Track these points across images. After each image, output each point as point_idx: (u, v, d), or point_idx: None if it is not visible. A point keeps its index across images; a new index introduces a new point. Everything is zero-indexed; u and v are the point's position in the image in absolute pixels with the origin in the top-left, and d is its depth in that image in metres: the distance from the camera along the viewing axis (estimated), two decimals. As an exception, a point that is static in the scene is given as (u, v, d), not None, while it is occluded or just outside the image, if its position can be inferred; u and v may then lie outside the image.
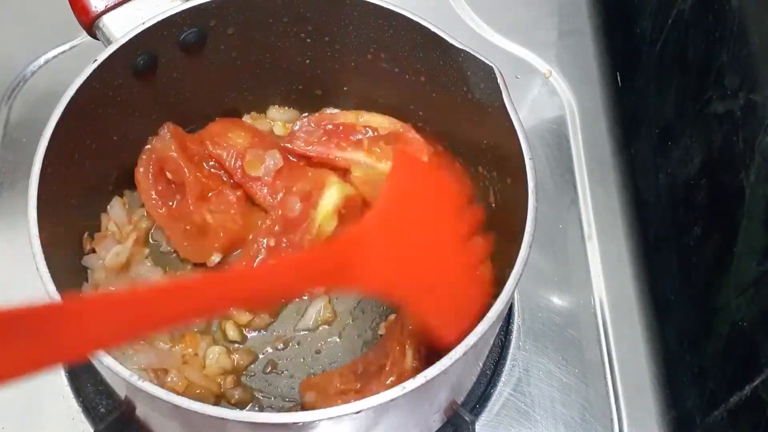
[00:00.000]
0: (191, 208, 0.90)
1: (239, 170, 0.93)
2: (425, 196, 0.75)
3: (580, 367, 0.94)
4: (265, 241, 0.91)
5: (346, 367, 0.84)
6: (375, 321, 0.91)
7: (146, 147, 0.92)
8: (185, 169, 0.90)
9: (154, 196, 0.92)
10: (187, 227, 0.90)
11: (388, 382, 0.77)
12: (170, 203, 0.92)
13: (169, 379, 0.82)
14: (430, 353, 0.79)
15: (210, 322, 0.88)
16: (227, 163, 0.94)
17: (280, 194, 0.93)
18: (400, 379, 0.75)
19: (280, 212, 0.92)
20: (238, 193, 0.93)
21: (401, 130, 0.94)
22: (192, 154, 0.93)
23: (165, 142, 0.92)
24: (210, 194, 0.92)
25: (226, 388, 0.84)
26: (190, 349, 0.85)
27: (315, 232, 0.90)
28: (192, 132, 0.96)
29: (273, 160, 0.93)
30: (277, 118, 1.02)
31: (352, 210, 0.92)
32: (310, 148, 0.95)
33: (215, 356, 0.85)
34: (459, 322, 0.72)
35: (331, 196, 0.91)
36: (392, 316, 0.89)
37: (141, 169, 0.92)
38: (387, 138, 0.95)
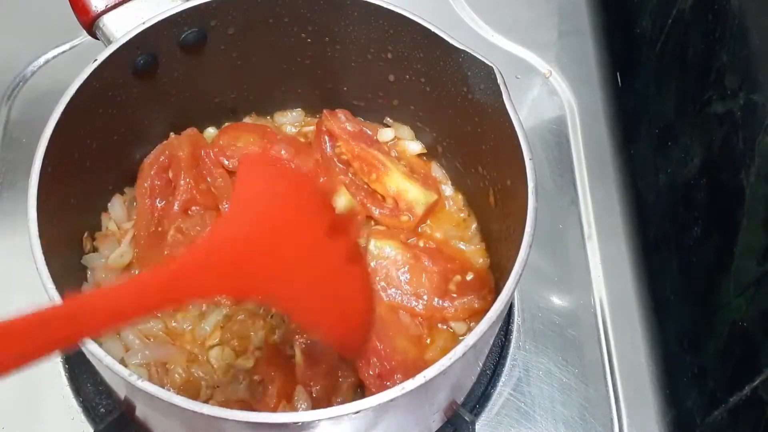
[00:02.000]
0: (175, 209, 0.90)
1: None
2: (278, 196, 0.72)
3: (580, 367, 0.94)
4: None
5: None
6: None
7: (164, 141, 0.93)
8: (182, 172, 0.90)
9: (146, 186, 0.91)
10: (151, 228, 0.89)
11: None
12: (157, 201, 0.91)
13: (170, 367, 0.82)
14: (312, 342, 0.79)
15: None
16: None
17: None
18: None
19: None
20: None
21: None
22: (202, 164, 0.93)
23: (181, 141, 0.93)
24: (192, 209, 0.91)
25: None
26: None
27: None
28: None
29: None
30: (284, 122, 1.02)
31: None
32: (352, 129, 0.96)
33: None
34: (347, 322, 0.72)
35: (341, 201, 0.91)
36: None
37: (149, 159, 0.92)
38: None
